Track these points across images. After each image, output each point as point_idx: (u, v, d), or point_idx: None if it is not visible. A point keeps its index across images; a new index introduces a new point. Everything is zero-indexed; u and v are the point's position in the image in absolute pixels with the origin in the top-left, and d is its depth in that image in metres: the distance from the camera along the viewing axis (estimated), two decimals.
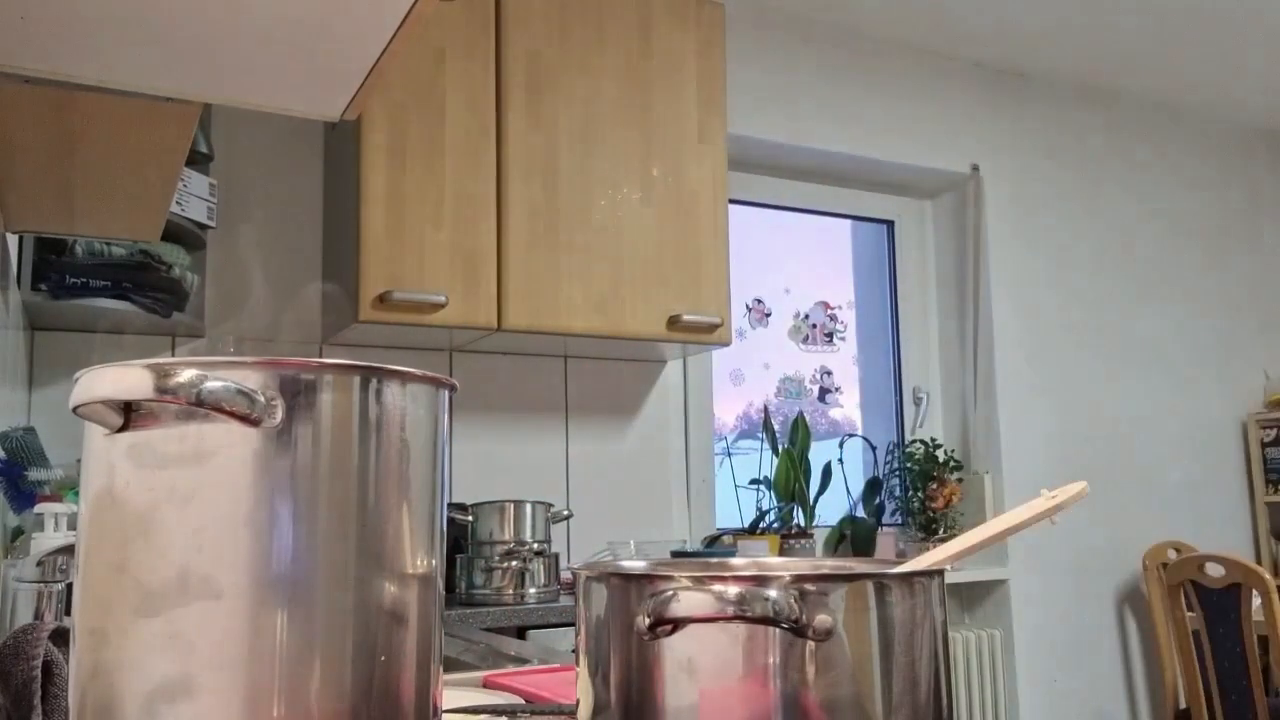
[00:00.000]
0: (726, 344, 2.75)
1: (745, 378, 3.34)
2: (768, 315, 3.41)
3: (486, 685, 1.01)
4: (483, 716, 0.85)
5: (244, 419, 0.52)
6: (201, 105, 1.09)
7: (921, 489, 3.31)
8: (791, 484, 2.95)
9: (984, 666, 3.30)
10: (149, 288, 2.18)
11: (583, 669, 0.57)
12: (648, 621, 0.51)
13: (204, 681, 0.51)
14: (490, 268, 2.45)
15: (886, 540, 3.21)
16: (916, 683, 0.53)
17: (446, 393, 0.62)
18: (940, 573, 0.57)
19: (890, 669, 0.52)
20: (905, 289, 3.63)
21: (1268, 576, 2.69)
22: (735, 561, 0.75)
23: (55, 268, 2.10)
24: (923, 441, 3.37)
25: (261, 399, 0.53)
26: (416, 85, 2.40)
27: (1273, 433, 3.94)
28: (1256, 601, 2.72)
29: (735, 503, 3.05)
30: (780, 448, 3.02)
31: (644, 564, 0.70)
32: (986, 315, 3.52)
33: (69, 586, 1.00)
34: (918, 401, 3.57)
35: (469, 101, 2.44)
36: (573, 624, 0.69)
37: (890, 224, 3.67)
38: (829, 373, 3.51)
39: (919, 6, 3.24)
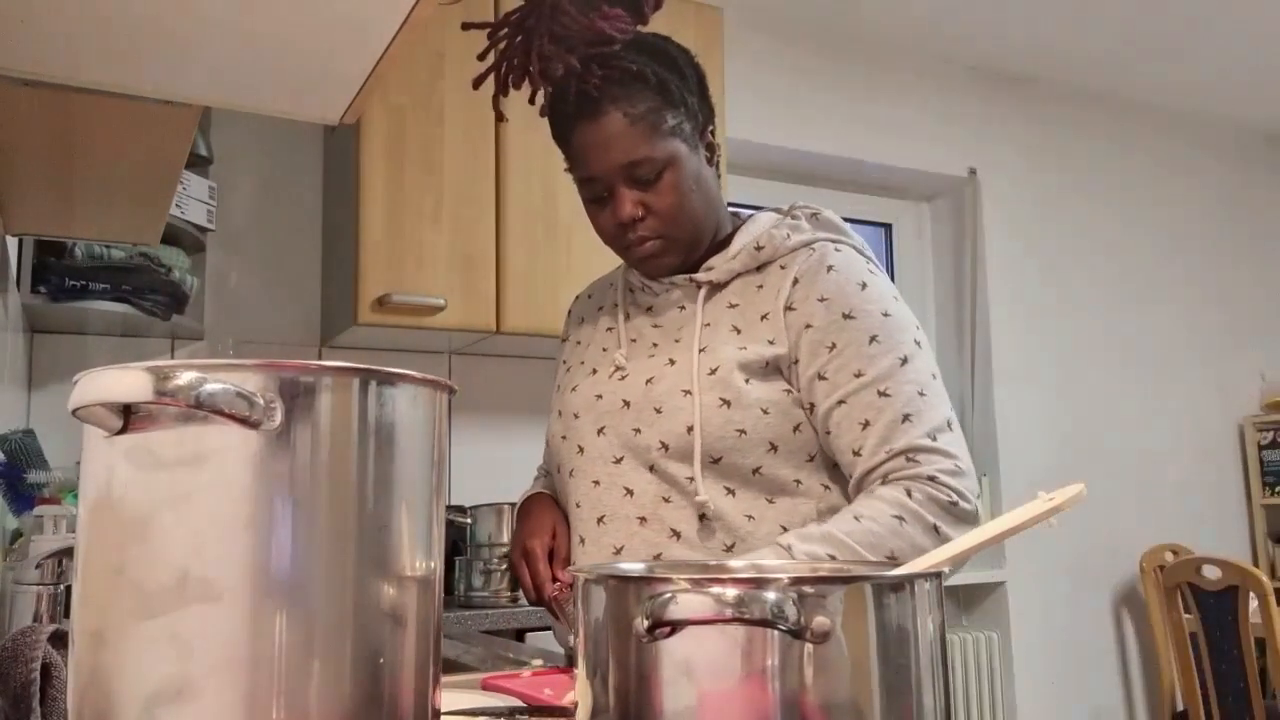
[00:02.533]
0: None
1: None
2: None
3: (485, 688, 1.01)
4: (481, 719, 0.85)
5: (243, 421, 0.52)
6: (201, 108, 1.10)
7: None
8: None
9: (982, 669, 3.30)
10: (148, 290, 2.18)
11: (581, 671, 0.57)
12: (646, 624, 0.51)
13: (203, 684, 0.51)
14: (489, 270, 2.45)
15: None
16: (914, 685, 0.53)
17: (445, 395, 0.62)
18: (938, 575, 0.57)
19: (888, 671, 0.52)
20: (903, 292, 3.61)
21: (1265, 579, 2.69)
22: (734, 564, 0.75)
23: (55, 270, 2.10)
24: None
25: (261, 401, 0.53)
26: (416, 88, 2.40)
27: (1269, 435, 3.94)
28: (1254, 604, 2.72)
29: None
30: None
31: (642, 566, 0.70)
32: (984, 318, 3.52)
33: (68, 589, 1.00)
34: None
35: (468, 104, 2.44)
36: None
37: (888, 227, 3.68)
38: None
39: (916, 11, 3.24)
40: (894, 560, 1.04)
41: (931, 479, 1.10)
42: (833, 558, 1.04)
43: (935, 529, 1.08)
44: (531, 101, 1.21)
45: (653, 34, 1.24)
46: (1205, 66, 3.68)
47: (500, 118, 1.23)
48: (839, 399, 1.14)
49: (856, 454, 1.13)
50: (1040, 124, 3.74)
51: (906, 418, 1.12)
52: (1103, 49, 3.53)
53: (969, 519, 1.10)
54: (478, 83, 1.20)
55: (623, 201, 1.20)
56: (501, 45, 1.18)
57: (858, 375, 1.13)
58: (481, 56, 1.20)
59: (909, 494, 1.09)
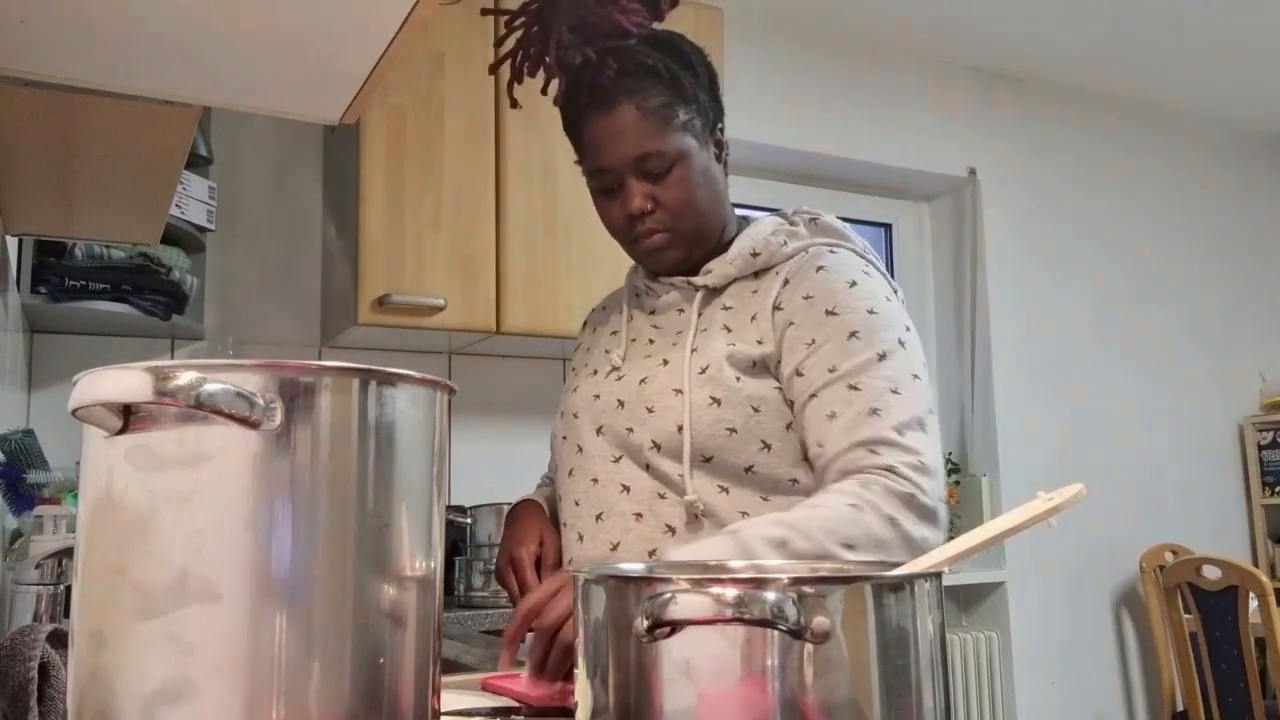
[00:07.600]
0: None
1: None
2: None
3: (485, 688, 1.01)
4: (481, 719, 0.85)
5: (243, 421, 0.52)
6: (201, 108, 1.10)
7: None
8: None
9: (981, 669, 3.30)
10: (148, 290, 2.17)
11: (581, 671, 0.57)
12: (646, 624, 0.51)
13: (203, 684, 0.51)
14: (489, 270, 2.45)
15: None
16: (914, 685, 0.53)
17: (445, 395, 0.62)
18: (938, 575, 0.57)
19: (888, 671, 0.52)
20: (903, 292, 3.63)
21: (1265, 579, 2.69)
22: (733, 564, 0.75)
23: (55, 270, 2.10)
24: None
25: (260, 402, 0.53)
26: (416, 88, 2.40)
27: (1269, 435, 3.94)
28: (1254, 604, 2.72)
29: None
30: None
31: (642, 566, 0.70)
32: (984, 318, 3.52)
33: (68, 589, 1.00)
34: None
35: (468, 104, 2.44)
36: None
37: (888, 227, 3.68)
38: None
39: (916, 11, 3.24)
40: (851, 548, 1.01)
41: (890, 469, 1.06)
42: (785, 543, 0.99)
43: (892, 520, 1.03)
44: (544, 91, 1.21)
45: (666, 30, 1.24)
46: (1205, 66, 3.68)
47: (514, 104, 1.24)
48: (811, 393, 1.13)
49: (820, 445, 1.11)
50: (1040, 124, 3.74)
51: (874, 411, 1.09)
52: (1102, 49, 3.53)
53: (929, 515, 1.06)
54: (494, 68, 1.22)
55: (632, 194, 1.21)
56: (519, 33, 1.18)
57: (831, 370, 1.12)
58: (499, 42, 1.20)
59: (865, 485, 1.05)
